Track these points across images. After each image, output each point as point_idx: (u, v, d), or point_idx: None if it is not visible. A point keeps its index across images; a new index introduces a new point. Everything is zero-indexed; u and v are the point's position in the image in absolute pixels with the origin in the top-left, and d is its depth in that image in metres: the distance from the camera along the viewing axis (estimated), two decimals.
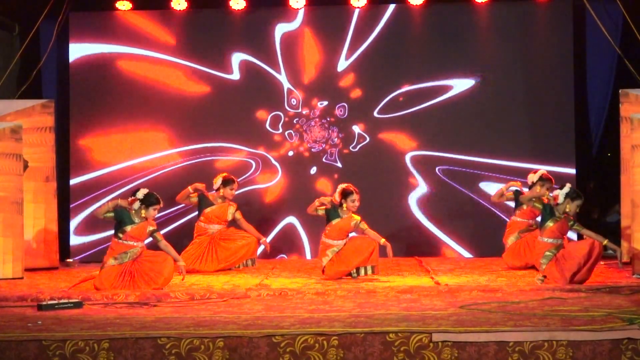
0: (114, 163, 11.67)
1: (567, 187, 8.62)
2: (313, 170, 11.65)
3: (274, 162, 11.68)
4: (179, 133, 11.71)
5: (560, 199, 8.57)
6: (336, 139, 11.67)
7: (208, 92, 11.72)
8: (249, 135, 11.69)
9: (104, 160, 11.67)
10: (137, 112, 11.70)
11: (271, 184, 11.69)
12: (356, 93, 11.67)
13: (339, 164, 11.61)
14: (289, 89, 11.68)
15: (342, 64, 11.68)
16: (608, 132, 11.45)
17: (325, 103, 11.66)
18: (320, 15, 11.73)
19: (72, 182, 11.63)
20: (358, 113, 11.67)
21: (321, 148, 11.67)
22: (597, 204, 11.78)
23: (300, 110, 11.69)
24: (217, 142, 11.67)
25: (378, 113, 11.60)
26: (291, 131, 11.71)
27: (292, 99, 11.68)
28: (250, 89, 11.67)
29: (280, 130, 11.69)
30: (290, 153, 11.71)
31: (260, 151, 11.68)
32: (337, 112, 11.67)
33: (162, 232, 9.63)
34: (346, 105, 11.66)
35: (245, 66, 11.70)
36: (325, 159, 11.65)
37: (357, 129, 11.63)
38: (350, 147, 11.64)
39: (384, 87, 11.63)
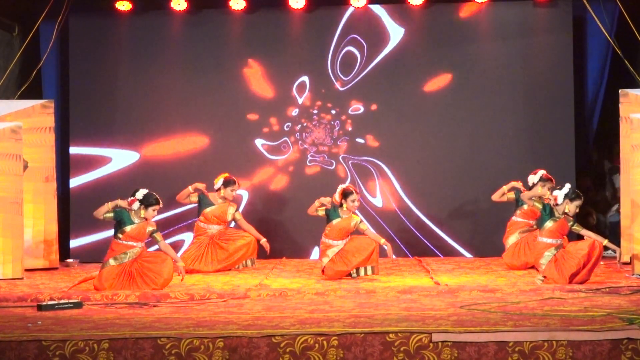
0: (114, 163, 11.66)
1: (567, 188, 8.61)
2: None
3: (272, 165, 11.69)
4: (178, 133, 11.73)
5: (560, 200, 8.56)
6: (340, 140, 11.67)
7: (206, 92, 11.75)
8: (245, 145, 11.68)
9: (104, 160, 11.66)
10: (137, 112, 11.70)
11: (270, 188, 11.70)
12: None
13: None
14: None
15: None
16: (607, 132, 11.44)
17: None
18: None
19: (72, 182, 11.62)
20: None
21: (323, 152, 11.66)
22: (597, 204, 11.78)
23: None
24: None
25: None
26: (286, 138, 11.68)
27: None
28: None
29: (275, 142, 11.67)
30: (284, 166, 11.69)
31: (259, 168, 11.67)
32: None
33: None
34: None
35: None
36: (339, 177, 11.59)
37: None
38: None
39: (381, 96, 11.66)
